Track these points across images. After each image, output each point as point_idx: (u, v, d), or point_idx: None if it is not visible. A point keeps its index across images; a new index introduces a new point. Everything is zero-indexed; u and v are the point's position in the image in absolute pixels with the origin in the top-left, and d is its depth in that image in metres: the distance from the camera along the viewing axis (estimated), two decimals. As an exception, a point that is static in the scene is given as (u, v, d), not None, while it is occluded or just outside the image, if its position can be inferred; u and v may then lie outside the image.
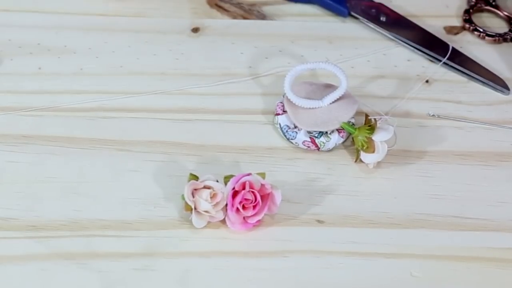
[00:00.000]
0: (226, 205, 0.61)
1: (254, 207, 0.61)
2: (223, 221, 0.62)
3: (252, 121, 0.70)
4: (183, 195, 0.61)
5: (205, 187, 0.61)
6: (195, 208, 0.61)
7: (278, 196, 0.62)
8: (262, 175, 0.62)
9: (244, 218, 0.62)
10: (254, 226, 0.62)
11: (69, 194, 0.64)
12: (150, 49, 0.74)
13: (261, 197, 0.61)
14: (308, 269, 0.61)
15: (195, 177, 0.62)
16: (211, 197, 0.61)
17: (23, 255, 0.61)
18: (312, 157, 0.67)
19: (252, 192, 0.61)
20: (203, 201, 0.60)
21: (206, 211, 0.61)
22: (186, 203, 0.61)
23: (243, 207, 0.61)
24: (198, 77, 0.72)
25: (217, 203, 0.61)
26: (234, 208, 0.61)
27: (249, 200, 0.61)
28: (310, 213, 0.64)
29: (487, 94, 0.73)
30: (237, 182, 0.61)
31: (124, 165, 0.66)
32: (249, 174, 0.61)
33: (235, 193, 0.61)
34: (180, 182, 0.63)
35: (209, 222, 0.62)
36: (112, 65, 0.73)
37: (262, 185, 0.61)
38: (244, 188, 0.61)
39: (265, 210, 0.61)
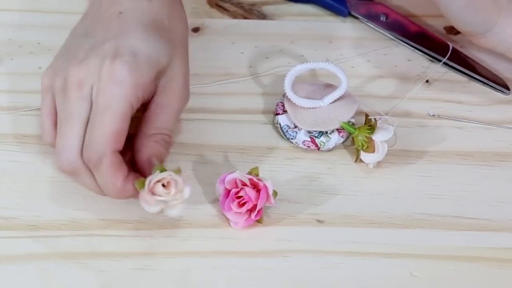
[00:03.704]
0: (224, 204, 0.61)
1: (249, 201, 0.61)
2: (223, 221, 0.62)
3: (252, 121, 0.70)
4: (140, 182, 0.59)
5: (153, 186, 0.59)
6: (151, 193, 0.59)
7: (269, 186, 0.61)
8: (255, 170, 0.62)
9: (243, 214, 0.61)
10: (256, 220, 0.62)
11: (69, 194, 0.64)
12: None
13: (254, 189, 0.61)
14: (308, 269, 0.61)
15: (162, 168, 0.59)
16: (164, 186, 0.59)
17: (23, 255, 0.61)
18: (312, 157, 0.67)
19: (243, 187, 0.61)
20: (167, 195, 0.58)
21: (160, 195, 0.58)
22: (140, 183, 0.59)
23: (239, 205, 0.61)
24: (198, 77, 0.72)
25: (178, 187, 0.58)
26: (232, 208, 0.61)
27: (242, 197, 0.61)
28: (310, 213, 0.64)
29: (487, 94, 0.73)
30: (224, 182, 0.61)
31: (124, 165, 0.66)
32: (232, 172, 0.61)
33: (227, 193, 0.61)
34: (180, 182, 0.63)
35: (209, 223, 0.62)
36: (112, 65, 0.73)
37: (250, 179, 0.61)
38: (236, 186, 0.61)
39: (262, 201, 0.61)
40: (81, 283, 0.60)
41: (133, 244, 0.62)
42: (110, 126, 0.58)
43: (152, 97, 0.62)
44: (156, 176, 0.58)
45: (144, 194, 0.58)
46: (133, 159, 0.62)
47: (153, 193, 0.58)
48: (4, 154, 0.66)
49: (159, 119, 0.62)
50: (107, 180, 0.59)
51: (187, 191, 0.59)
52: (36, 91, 0.70)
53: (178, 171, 0.59)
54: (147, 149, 0.62)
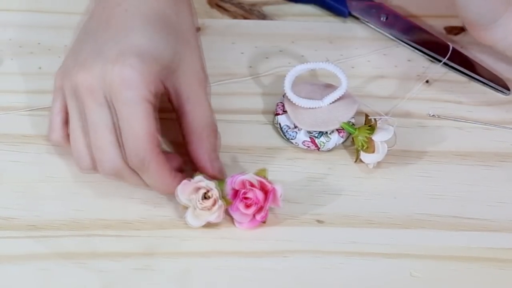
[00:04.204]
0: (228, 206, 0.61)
1: (257, 203, 0.61)
2: (224, 221, 0.62)
3: (252, 121, 0.70)
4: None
5: (199, 187, 0.61)
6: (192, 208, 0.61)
7: (278, 189, 0.61)
8: (263, 171, 0.62)
9: (249, 215, 0.61)
10: (261, 222, 0.62)
11: (69, 194, 0.64)
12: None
13: (262, 191, 0.61)
14: (308, 269, 0.61)
15: (222, 185, 0.62)
16: (205, 198, 0.60)
17: (23, 255, 0.61)
18: (312, 157, 0.67)
19: (252, 189, 0.61)
20: (198, 202, 0.60)
21: (202, 209, 0.60)
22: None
23: (246, 206, 0.61)
24: (198, 77, 0.72)
25: (212, 205, 0.60)
26: (239, 208, 0.61)
27: (250, 198, 0.61)
28: (310, 213, 0.64)
29: (487, 94, 0.73)
30: (234, 182, 0.61)
31: (124, 165, 0.66)
32: (243, 173, 0.61)
33: (235, 193, 0.61)
34: (180, 182, 0.63)
35: (208, 223, 0.62)
36: (112, 65, 0.73)
37: (259, 181, 0.61)
38: (244, 187, 0.61)
39: (269, 203, 0.61)
40: (81, 283, 0.60)
41: (133, 244, 0.62)
42: (141, 132, 0.58)
43: (180, 95, 0.63)
44: (211, 184, 0.60)
45: (187, 184, 0.60)
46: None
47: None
48: (4, 154, 0.66)
49: (197, 113, 0.63)
50: (154, 180, 0.60)
51: (213, 217, 0.61)
52: (36, 91, 0.71)
53: (222, 184, 0.61)
54: (202, 148, 0.63)
